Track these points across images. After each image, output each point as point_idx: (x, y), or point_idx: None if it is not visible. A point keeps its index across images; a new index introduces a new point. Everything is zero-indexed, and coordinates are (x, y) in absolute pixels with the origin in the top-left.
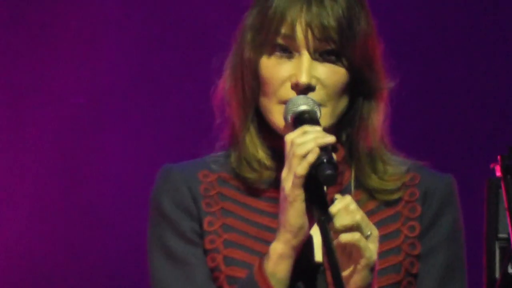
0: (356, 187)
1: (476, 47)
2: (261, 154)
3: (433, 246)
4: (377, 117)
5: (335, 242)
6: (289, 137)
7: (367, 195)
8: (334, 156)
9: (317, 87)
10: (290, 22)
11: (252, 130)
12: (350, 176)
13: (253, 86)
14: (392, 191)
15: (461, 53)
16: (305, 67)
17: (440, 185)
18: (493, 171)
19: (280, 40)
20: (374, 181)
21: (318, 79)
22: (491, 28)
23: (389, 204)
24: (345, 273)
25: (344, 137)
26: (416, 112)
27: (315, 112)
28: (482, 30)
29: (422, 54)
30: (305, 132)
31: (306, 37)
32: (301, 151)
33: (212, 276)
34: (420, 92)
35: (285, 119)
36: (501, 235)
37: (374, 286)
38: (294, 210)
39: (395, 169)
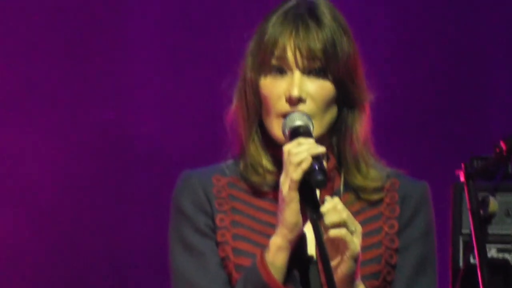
0: (345, 190)
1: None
2: (264, 161)
3: (409, 242)
4: (360, 125)
5: (325, 237)
6: (286, 148)
7: (354, 197)
8: (325, 163)
9: (307, 101)
10: (282, 46)
11: (257, 141)
12: (340, 181)
13: (255, 104)
14: (374, 190)
15: (426, 56)
16: (296, 82)
17: (416, 190)
18: (458, 176)
19: (274, 62)
20: (359, 180)
21: (308, 93)
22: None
23: (373, 205)
24: (333, 263)
25: (335, 147)
26: (390, 123)
27: (309, 127)
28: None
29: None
30: (299, 143)
31: (295, 57)
32: (296, 159)
33: (223, 265)
34: (390, 100)
35: (283, 132)
36: (464, 231)
37: (358, 274)
38: (290, 210)
39: (377, 172)
